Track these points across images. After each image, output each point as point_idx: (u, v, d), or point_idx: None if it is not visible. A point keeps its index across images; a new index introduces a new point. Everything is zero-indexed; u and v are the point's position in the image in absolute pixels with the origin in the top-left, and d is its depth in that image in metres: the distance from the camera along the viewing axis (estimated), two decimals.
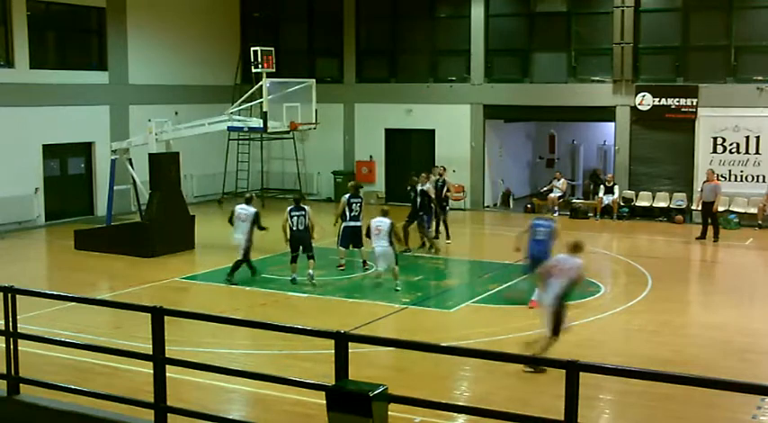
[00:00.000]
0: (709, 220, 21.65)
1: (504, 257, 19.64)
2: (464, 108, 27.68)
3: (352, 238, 18.11)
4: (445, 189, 20.98)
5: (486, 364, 11.20)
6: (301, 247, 16.93)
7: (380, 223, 16.36)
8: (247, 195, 18.46)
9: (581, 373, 5.88)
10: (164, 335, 7.42)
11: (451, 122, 27.82)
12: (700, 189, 22.63)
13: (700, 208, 22.27)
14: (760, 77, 24.00)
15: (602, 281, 17.53)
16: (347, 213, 18.08)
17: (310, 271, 16.93)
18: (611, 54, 25.45)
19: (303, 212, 16.83)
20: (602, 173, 28.22)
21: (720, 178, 23.34)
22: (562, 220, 25.58)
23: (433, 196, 20.16)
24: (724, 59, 24.60)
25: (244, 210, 17.38)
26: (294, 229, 16.81)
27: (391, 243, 16.27)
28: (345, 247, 18.21)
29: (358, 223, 18.11)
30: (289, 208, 16.97)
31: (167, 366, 7.47)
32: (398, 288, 16.35)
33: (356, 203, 18.21)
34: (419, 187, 20.10)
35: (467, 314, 15.06)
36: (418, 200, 19.96)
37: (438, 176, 21.09)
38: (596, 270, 19.15)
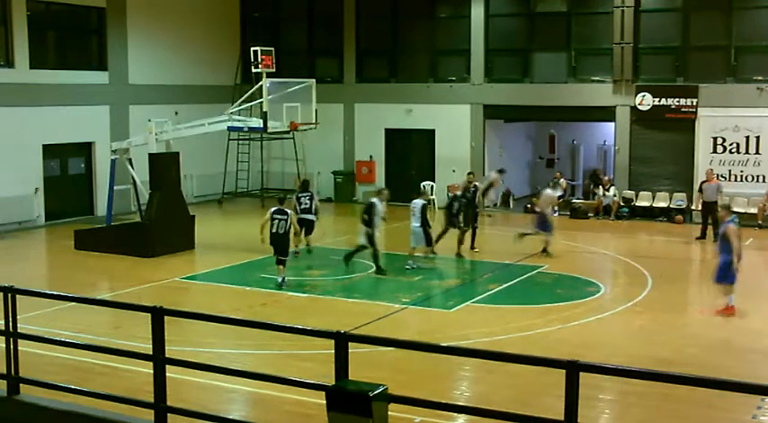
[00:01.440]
0: (710, 220, 21.62)
1: (504, 258, 19.66)
2: (464, 108, 27.69)
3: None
4: (478, 196, 20.87)
5: (485, 364, 11.20)
6: (278, 252, 16.81)
7: (414, 204, 18.27)
8: (380, 188, 19.46)
9: (581, 374, 5.88)
10: (164, 335, 7.41)
11: (451, 122, 27.83)
12: (699, 189, 22.61)
13: (700, 208, 22.26)
14: (760, 77, 24.01)
15: (602, 281, 17.55)
16: (297, 207, 19.08)
17: (279, 278, 16.75)
18: (611, 54, 25.46)
19: (285, 217, 16.58)
20: (603, 173, 28.23)
21: (720, 178, 23.35)
22: (562, 220, 25.65)
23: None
24: (724, 59, 24.60)
25: (379, 203, 17.93)
26: (274, 231, 16.59)
27: (423, 224, 18.09)
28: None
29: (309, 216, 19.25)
30: (272, 209, 16.81)
31: (167, 366, 7.46)
32: (411, 267, 18.04)
33: (305, 197, 19.33)
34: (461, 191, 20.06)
35: (467, 314, 15.06)
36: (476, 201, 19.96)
37: (469, 183, 20.95)
38: (596, 270, 19.19)
